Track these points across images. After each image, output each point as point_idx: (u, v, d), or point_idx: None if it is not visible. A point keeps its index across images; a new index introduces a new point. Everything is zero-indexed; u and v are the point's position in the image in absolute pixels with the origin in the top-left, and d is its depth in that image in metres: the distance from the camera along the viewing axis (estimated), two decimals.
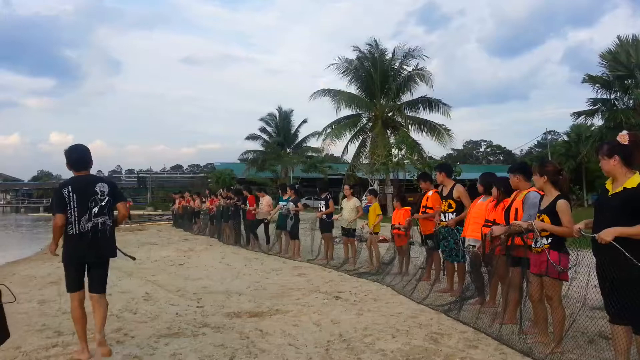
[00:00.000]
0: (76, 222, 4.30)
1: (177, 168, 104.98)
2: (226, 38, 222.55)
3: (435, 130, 31.41)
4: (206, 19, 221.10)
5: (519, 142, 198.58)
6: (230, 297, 6.99)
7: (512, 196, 5.24)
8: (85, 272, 4.49)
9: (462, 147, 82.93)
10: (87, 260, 4.44)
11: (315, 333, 5.10)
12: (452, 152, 74.88)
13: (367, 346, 4.65)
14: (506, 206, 5.22)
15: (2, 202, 68.04)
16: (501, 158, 79.52)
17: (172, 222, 24.42)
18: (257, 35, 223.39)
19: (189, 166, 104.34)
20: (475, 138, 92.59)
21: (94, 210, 4.34)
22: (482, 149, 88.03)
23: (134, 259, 5.27)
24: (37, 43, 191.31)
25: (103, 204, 4.40)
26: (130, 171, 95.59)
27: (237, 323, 5.52)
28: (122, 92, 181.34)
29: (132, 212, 31.12)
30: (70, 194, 4.31)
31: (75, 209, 4.30)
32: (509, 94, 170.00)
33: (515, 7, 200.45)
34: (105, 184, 4.50)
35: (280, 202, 11.81)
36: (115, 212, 4.54)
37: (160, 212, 40.49)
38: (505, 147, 79.95)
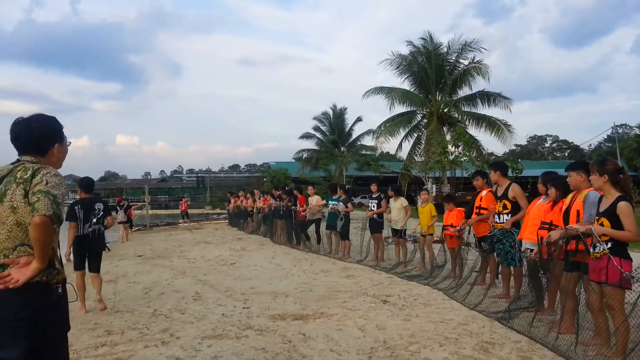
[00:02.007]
0: (81, 228, 6.44)
1: (235, 167, 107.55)
2: (281, 38, 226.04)
3: (494, 125, 30.20)
4: (261, 20, 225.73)
5: (587, 137, 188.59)
6: (276, 298, 6.96)
7: (570, 197, 4.85)
8: (86, 259, 6.57)
9: (525, 143, 79.61)
10: (87, 252, 6.51)
11: (359, 339, 4.95)
12: (515, 148, 72.16)
13: (412, 355, 4.45)
14: (565, 207, 4.84)
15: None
16: (567, 154, 75.66)
17: (227, 221, 24.95)
18: (312, 34, 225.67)
19: (245, 165, 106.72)
20: (540, 133, 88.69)
21: (92, 220, 6.50)
22: (547, 145, 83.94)
23: (108, 250, 7.89)
24: (104, 49, 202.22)
25: (99, 217, 6.58)
26: (191, 171, 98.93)
27: (281, 326, 5.46)
28: (183, 95, 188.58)
29: (191, 211, 32.12)
30: (79, 210, 6.48)
31: (81, 220, 6.45)
32: (576, 86, 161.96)
33: None
34: (101, 203, 6.77)
35: (329, 202, 11.70)
36: (106, 222, 6.73)
37: (217, 211, 41.52)
38: (572, 142, 75.89)
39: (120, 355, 4.59)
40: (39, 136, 2.52)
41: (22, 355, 2.21)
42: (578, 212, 4.57)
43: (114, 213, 20.88)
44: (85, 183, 6.86)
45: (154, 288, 8.01)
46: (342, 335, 5.06)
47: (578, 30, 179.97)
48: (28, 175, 2.34)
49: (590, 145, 68.44)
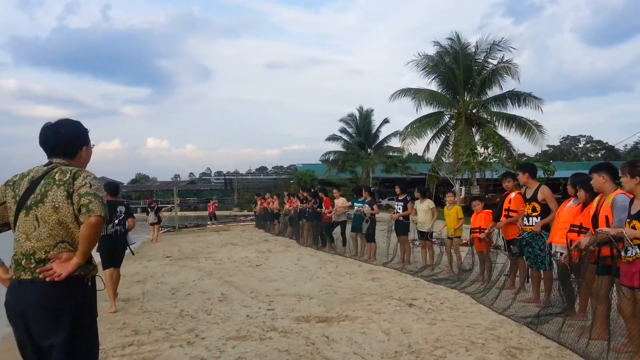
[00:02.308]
0: (105, 229, 6.48)
1: (262, 170, 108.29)
2: (308, 41, 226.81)
3: (524, 126, 29.56)
4: (289, 23, 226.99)
5: (622, 137, 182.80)
6: (301, 300, 6.97)
7: (597, 200, 4.70)
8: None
9: (558, 144, 77.77)
10: (110, 250, 6.82)
11: (383, 342, 4.90)
12: (547, 149, 70.45)
13: (437, 359, 4.38)
14: (592, 212, 4.69)
15: None
16: (601, 155, 73.50)
17: (254, 223, 25.13)
18: (339, 36, 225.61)
19: (273, 167, 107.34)
20: (574, 133, 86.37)
21: (115, 221, 6.85)
22: (580, 145, 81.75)
23: (133, 254, 7.91)
24: (134, 54, 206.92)
25: (120, 218, 6.94)
26: (219, 173, 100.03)
27: (305, 328, 5.46)
28: (212, 98, 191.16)
29: (219, 213, 32.47)
30: None
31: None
32: (610, 85, 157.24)
33: None
34: (123, 207, 7.18)
35: (355, 204, 11.65)
36: (127, 225, 7.07)
37: (245, 212, 41.88)
38: (607, 143, 73.76)
39: (147, 355, 4.66)
40: (68, 140, 2.67)
41: (64, 341, 2.40)
42: (607, 217, 4.42)
43: (145, 214, 21.85)
44: (112, 187, 7.57)
45: (181, 289, 8.12)
46: (366, 339, 5.02)
47: (611, 29, 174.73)
48: (67, 178, 2.49)
49: (626, 145, 66.32)
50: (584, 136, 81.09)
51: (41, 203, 2.48)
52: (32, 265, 2.45)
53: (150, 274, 9.92)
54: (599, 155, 74.72)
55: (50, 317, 2.40)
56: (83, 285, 2.51)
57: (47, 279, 2.37)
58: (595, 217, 4.61)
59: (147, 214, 19.53)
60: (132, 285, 8.77)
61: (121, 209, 7.07)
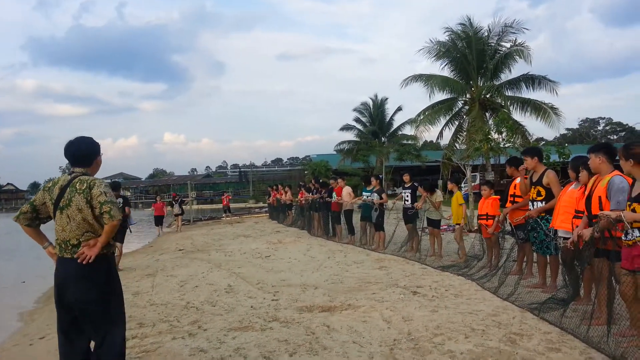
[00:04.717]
0: None
1: (277, 161, 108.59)
2: (321, 31, 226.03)
3: (540, 109, 28.95)
4: (301, 13, 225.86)
5: None
6: (306, 290, 6.99)
7: (592, 181, 4.60)
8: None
9: (577, 127, 76.28)
10: None
11: (383, 331, 4.90)
12: (566, 132, 69.17)
13: (435, 347, 4.36)
14: (587, 193, 4.60)
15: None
16: (621, 137, 71.93)
17: (268, 214, 25.25)
18: (353, 24, 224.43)
19: (288, 159, 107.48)
20: (593, 116, 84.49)
21: None
22: (600, 127, 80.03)
23: (131, 232, 11.30)
24: (149, 51, 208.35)
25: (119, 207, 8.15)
26: (235, 166, 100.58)
27: (307, 318, 5.48)
28: (226, 92, 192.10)
29: (234, 206, 32.71)
30: None
31: None
32: (631, 65, 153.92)
33: None
34: (121, 198, 9.73)
35: (364, 193, 11.62)
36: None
37: (260, 204, 42.10)
38: (627, 124, 72.08)
39: (149, 347, 4.73)
40: (87, 153, 3.58)
41: (98, 297, 3.38)
42: (600, 198, 4.34)
43: (169, 207, 23.09)
44: (114, 185, 10.10)
45: (190, 281, 8.22)
46: (367, 327, 5.02)
47: (632, 7, 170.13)
48: (85, 187, 3.38)
49: None
50: (604, 118, 79.39)
51: (69, 206, 3.38)
52: (69, 248, 3.39)
53: (161, 267, 10.05)
54: (620, 136, 73.15)
55: (85, 282, 3.35)
56: (108, 260, 3.49)
57: (81, 260, 3.33)
58: (589, 199, 4.53)
59: (172, 207, 22.19)
60: (143, 278, 8.90)
61: (119, 200, 9.03)
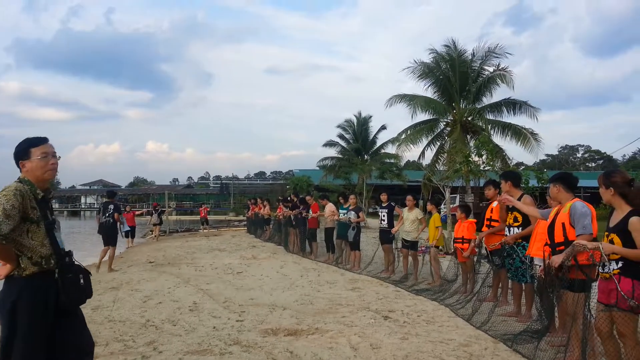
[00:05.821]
0: (101, 218, 11.44)
1: (260, 175, 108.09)
2: (310, 47, 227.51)
3: (520, 134, 29.21)
4: (291, 29, 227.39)
5: (620, 147, 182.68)
6: (273, 311, 6.70)
7: (555, 210, 4.55)
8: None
9: (557, 153, 77.68)
10: (105, 233, 11.32)
11: (348, 359, 4.64)
12: (545, 158, 70.26)
13: None
14: (549, 222, 4.52)
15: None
16: (600, 164, 73.36)
17: (246, 228, 24.86)
18: (341, 42, 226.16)
19: (271, 173, 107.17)
20: (572, 143, 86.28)
21: (106, 214, 11.34)
22: (579, 155, 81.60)
23: (122, 236, 13.96)
24: (136, 58, 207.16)
25: (109, 212, 11.29)
26: (218, 177, 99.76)
27: (270, 342, 5.19)
28: (213, 103, 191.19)
29: (214, 218, 32.17)
30: (101, 209, 11.85)
31: (101, 213, 11.70)
32: (609, 95, 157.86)
33: (615, 1, 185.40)
34: (113, 205, 11.58)
35: (340, 211, 11.40)
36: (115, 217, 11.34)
37: (240, 217, 41.60)
38: (605, 153, 73.58)
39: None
40: (14, 156, 3.23)
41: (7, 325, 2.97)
42: (563, 224, 4.31)
43: (149, 216, 22.87)
44: (109, 192, 12.87)
45: (154, 297, 7.85)
46: (332, 355, 4.76)
47: (611, 39, 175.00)
48: None
49: (624, 155, 66.31)
50: (582, 145, 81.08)
51: None
52: None
53: (126, 280, 9.64)
54: (598, 164, 74.62)
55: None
56: (16, 281, 2.99)
57: None
58: (551, 226, 4.45)
59: (151, 215, 22.58)
60: (106, 291, 8.49)
61: (111, 206, 11.39)
